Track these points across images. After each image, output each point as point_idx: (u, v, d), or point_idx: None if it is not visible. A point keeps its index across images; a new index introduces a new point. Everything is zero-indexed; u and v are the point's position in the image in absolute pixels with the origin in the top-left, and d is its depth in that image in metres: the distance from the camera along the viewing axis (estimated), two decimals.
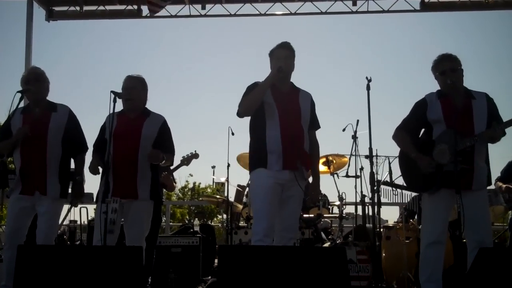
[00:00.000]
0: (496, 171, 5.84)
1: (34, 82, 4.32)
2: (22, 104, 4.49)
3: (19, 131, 4.21)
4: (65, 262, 3.08)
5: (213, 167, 8.44)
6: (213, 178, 7.92)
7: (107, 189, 3.83)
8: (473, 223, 3.77)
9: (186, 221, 25.49)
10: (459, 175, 3.65)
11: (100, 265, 3.07)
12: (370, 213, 6.17)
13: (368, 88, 3.90)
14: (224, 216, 6.98)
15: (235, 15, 9.04)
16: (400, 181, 5.31)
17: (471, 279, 3.24)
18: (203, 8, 8.95)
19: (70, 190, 4.50)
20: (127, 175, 4.13)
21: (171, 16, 9.09)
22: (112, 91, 3.94)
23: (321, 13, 8.97)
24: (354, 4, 8.81)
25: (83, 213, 7.28)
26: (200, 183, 30.54)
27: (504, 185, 5.73)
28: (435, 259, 3.92)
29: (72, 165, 4.54)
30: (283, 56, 4.06)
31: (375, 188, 3.75)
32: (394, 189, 5.19)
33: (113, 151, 4.07)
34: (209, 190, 29.71)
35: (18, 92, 4.25)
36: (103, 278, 3.02)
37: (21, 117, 4.33)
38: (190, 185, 32.02)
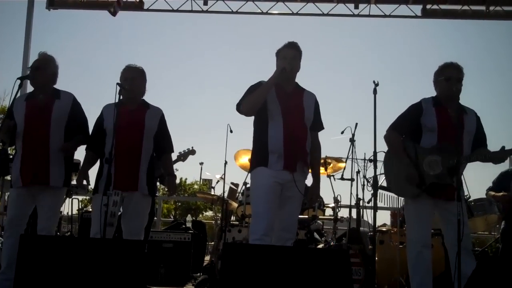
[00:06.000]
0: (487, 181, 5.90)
1: (34, 70, 4.26)
2: (26, 91, 4.42)
3: (4, 124, 4.12)
4: (67, 253, 3.05)
5: (201, 163, 8.41)
6: (200, 174, 7.90)
7: (109, 181, 3.77)
8: (453, 228, 3.77)
9: (172, 217, 25.37)
10: (449, 187, 3.76)
11: (102, 258, 3.04)
12: (363, 217, 6.22)
13: (375, 92, 3.91)
14: (212, 213, 6.99)
15: (236, 12, 9.01)
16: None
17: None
18: (205, 3, 8.91)
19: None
20: (129, 167, 4.07)
21: (172, 10, 9.03)
22: (118, 83, 3.90)
23: (323, 14, 8.96)
24: (356, 7, 8.81)
25: (75, 204, 7.21)
26: (186, 179, 30.40)
27: (499, 194, 5.74)
28: (425, 264, 3.94)
29: (76, 155, 4.47)
30: (289, 56, 4.01)
31: (376, 192, 3.74)
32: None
33: (115, 143, 3.98)
34: (196, 186, 29.61)
35: (17, 78, 4.20)
36: (105, 271, 3.00)
37: (24, 104, 4.24)
38: (177, 181, 31.85)
